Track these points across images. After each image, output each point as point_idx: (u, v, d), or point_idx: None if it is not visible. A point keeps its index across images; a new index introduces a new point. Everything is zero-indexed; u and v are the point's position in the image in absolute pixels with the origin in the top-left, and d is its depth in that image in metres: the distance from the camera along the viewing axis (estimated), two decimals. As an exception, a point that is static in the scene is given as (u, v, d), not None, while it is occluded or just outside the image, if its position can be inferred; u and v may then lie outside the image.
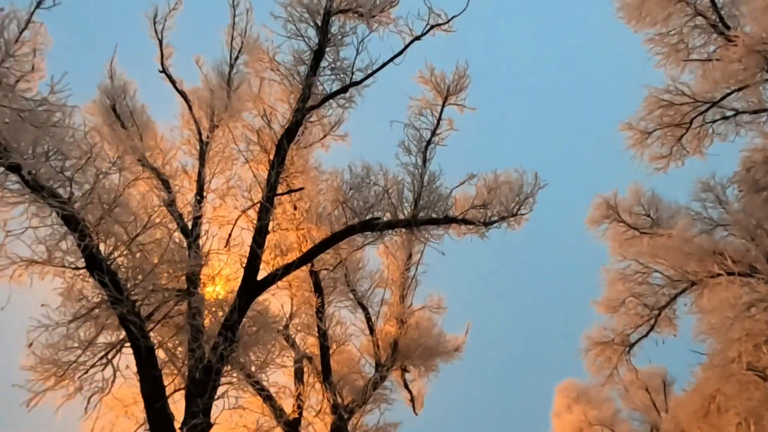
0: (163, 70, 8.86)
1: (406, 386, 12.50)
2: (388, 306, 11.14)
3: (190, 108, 8.88)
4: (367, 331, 10.59)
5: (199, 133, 8.75)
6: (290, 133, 6.92)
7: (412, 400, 12.72)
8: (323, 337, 9.66)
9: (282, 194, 7.00)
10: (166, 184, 8.42)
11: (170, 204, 8.04)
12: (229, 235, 7.06)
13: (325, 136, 8.88)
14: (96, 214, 6.19)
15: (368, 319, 10.59)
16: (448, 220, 7.82)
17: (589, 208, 13.37)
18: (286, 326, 10.45)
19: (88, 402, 5.86)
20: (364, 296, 11.12)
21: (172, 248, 6.42)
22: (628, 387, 16.45)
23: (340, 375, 9.75)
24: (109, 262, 6.08)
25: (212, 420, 6.96)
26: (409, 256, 11.96)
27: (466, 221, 8.20)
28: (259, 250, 6.57)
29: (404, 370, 12.05)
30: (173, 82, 8.91)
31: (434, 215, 7.70)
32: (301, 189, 7.22)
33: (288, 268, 6.73)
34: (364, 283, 11.54)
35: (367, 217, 6.94)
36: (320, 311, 9.86)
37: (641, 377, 17.40)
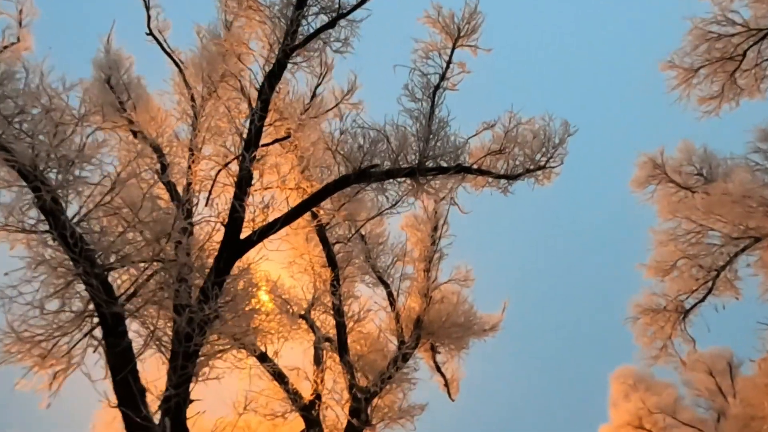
0: (150, 33, 8.27)
1: (439, 369, 11.57)
2: (411, 280, 10.26)
3: (180, 70, 8.27)
4: (389, 308, 9.73)
5: (192, 99, 8.13)
6: (272, 76, 6.16)
7: (446, 384, 11.80)
8: (338, 313, 8.86)
9: (266, 145, 6.25)
10: (158, 152, 7.84)
11: (163, 171, 7.43)
12: (209, 192, 6.35)
13: (337, 104, 8.12)
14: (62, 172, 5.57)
15: (389, 294, 9.73)
16: (460, 169, 6.87)
17: (634, 167, 12.17)
18: (309, 310, 9.74)
19: (54, 379, 5.24)
20: (385, 271, 10.28)
21: (148, 206, 5.73)
22: (690, 370, 15.37)
23: (359, 355, 8.93)
24: (77, 221, 5.44)
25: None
26: (435, 228, 11.08)
27: (483, 171, 7.23)
28: (240, 203, 5.82)
29: (434, 351, 11.13)
30: (161, 45, 8.32)
31: (444, 164, 6.77)
32: (287, 138, 6.45)
33: (272, 226, 5.96)
34: (384, 259, 10.73)
35: (363, 165, 6.08)
36: (334, 286, 9.06)
37: (704, 360, 16.13)
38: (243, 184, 5.86)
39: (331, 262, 9.25)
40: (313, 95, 7.89)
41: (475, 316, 10.89)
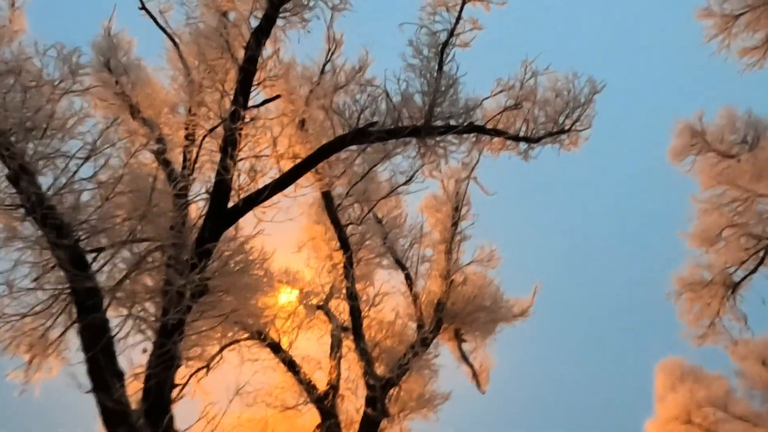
0: (143, 7, 7.84)
1: (465, 359, 10.87)
2: (431, 263, 9.60)
3: (175, 44, 7.83)
4: (407, 293, 9.09)
5: (187, 72, 7.66)
6: (260, 31, 5.61)
7: (475, 375, 11.09)
8: (352, 298, 8.26)
9: (255, 106, 5.71)
10: (150, 127, 7.39)
11: (161, 153, 6.96)
12: (195, 158, 5.82)
13: (347, 84, 7.57)
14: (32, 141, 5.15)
15: (407, 277, 9.10)
16: (473, 129, 6.20)
17: (671, 136, 11.25)
18: (327, 300, 9.19)
19: (30, 362, 4.79)
20: (403, 255, 9.65)
21: (129, 179, 5.25)
22: (741, 359, 14.35)
23: (375, 342, 8.31)
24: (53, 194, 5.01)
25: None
26: (456, 209, 10.41)
27: (499, 132, 6.54)
28: (224, 166, 5.28)
29: (460, 338, 10.43)
30: (154, 20, 7.88)
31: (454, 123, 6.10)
32: (277, 97, 5.89)
33: (261, 192, 5.39)
34: (402, 242, 10.10)
35: (361, 124, 5.47)
36: (347, 269, 8.48)
37: (757, 348, 15.13)
38: (227, 147, 5.33)
39: (344, 244, 8.67)
40: (322, 71, 7.37)
41: (503, 299, 10.16)
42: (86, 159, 5.28)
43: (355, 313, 8.29)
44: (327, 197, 9.01)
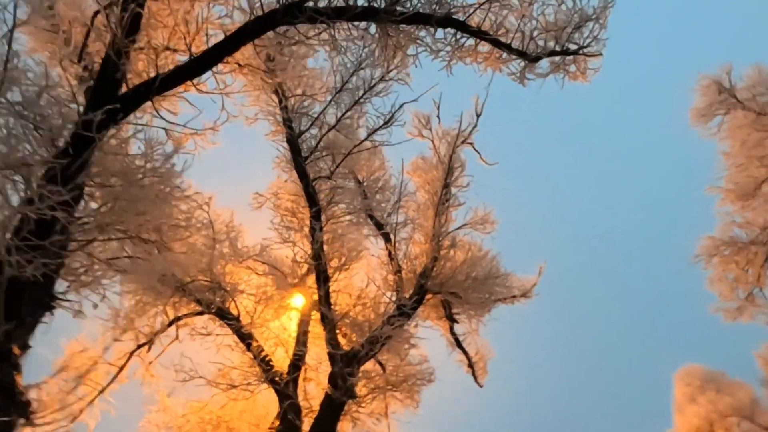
0: None
1: (459, 344, 9.48)
2: (416, 226, 8.27)
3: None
4: (386, 258, 7.75)
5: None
6: None
7: (470, 365, 9.67)
8: (317, 258, 6.93)
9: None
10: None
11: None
12: (83, 45, 4.50)
13: None
14: None
15: (386, 237, 7.77)
16: (448, 22, 4.90)
17: (695, 94, 9.88)
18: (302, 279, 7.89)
19: None
20: (385, 217, 8.34)
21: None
22: None
23: (344, 312, 6.95)
24: None
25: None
26: (448, 172, 9.10)
27: (483, 35, 5.23)
28: (118, 49, 3.97)
29: (451, 317, 9.03)
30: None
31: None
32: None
33: (169, 78, 4.08)
34: (385, 206, 8.79)
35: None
36: (313, 227, 7.17)
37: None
38: (126, 26, 4.02)
39: (310, 199, 7.37)
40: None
41: (501, 274, 8.79)
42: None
43: (321, 276, 6.95)
44: (293, 146, 7.77)
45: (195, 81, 4.38)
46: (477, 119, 9.25)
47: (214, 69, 4.68)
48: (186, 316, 7.96)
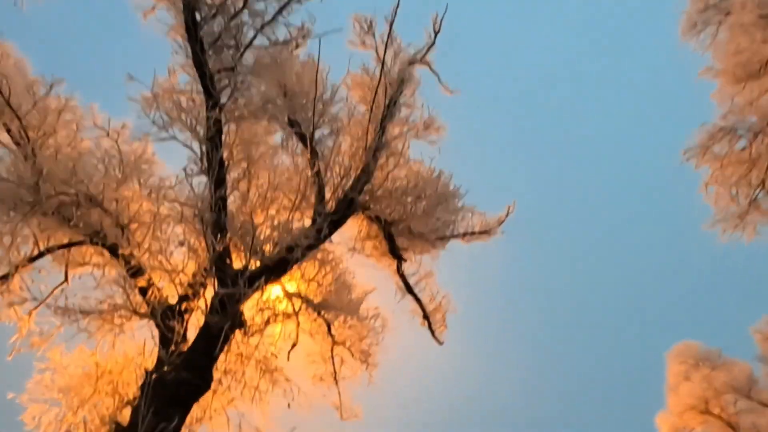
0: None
1: (410, 289, 7.98)
2: (349, 137, 6.72)
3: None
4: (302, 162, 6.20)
5: None
6: None
7: (425, 315, 8.18)
8: (209, 157, 5.41)
9: None
10: None
11: None
12: None
13: None
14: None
15: (303, 138, 6.23)
16: None
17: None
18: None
19: None
20: (308, 124, 6.79)
21: None
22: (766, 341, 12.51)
23: (242, 222, 5.40)
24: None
25: None
26: (401, 82, 7.61)
27: None
28: None
29: (398, 255, 7.51)
30: None
31: None
32: None
33: None
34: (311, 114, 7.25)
35: None
36: (210, 125, 5.64)
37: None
38: None
39: (207, 91, 5.83)
40: None
41: (455, 199, 7.28)
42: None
43: (212, 178, 5.41)
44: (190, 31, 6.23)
45: None
46: (434, 37, 7.88)
47: None
48: (64, 246, 6.43)
